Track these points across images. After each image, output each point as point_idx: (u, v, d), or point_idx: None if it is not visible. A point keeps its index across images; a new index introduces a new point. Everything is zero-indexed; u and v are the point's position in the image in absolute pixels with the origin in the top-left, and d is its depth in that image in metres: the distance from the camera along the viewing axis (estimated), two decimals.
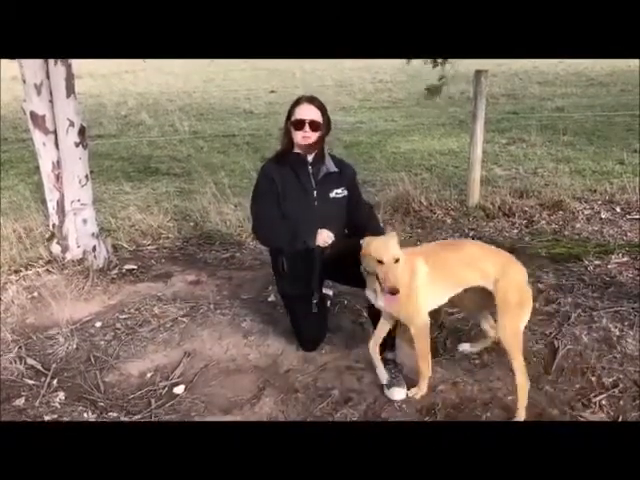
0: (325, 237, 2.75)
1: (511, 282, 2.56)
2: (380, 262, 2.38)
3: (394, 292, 2.35)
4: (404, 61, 5.37)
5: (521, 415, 2.56)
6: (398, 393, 2.70)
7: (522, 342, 2.58)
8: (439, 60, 4.53)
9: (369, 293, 2.64)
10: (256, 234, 3.11)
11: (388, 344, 2.82)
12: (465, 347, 3.06)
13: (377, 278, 2.44)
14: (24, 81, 3.77)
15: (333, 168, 2.90)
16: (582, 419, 2.52)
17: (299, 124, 2.79)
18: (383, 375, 2.73)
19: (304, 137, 2.80)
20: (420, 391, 2.70)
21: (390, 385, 2.72)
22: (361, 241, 2.49)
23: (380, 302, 2.57)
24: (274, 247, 3.02)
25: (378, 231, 2.88)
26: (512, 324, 2.55)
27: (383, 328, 2.74)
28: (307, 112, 2.81)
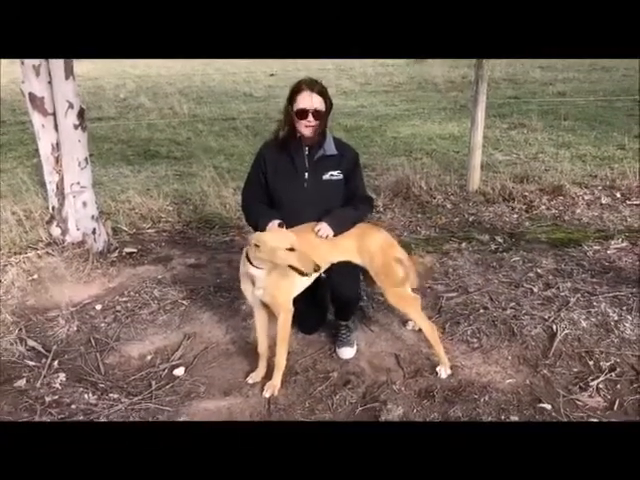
0: (271, 227, 2.68)
1: (371, 250, 2.72)
2: (291, 249, 2.40)
3: (318, 269, 2.44)
4: None
5: (446, 366, 2.74)
6: (347, 352, 2.91)
7: (413, 298, 2.84)
8: None
9: (246, 288, 2.66)
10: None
11: (343, 313, 2.96)
12: (410, 325, 3.16)
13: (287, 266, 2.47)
14: (22, 62, 3.74)
15: (332, 151, 2.84)
16: (580, 403, 2.55)
17: (303, 114, 2.73)
18: (262, 369, 2.78)
19: (307, 126, 2.75)
20: (274, 386, 2.67)
21: (341, 345, 2.92)
22: (251, 238, 2.46)
23: (257, 293, 2.61)
24: (249, 225, 3.04)
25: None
26: (393, 288, 2.72)
27: (262, 319, 2.75)
28: (310, 101, 2.73)
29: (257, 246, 2.41)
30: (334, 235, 2.70)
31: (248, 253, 2.51)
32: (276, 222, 2.66)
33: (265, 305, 2.70)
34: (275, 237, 2.45)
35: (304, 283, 2.73)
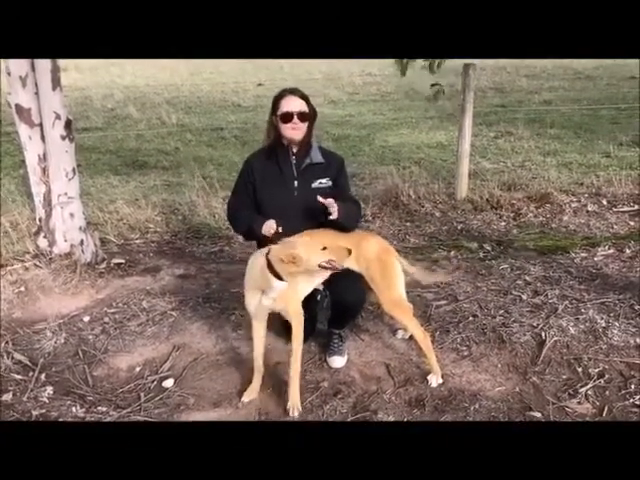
0: (268, 227, 2.66)
1: (367, 257, 2.74)
2: (325, 248, 2.44)
3: (350, 253, 2.50)
4: None
5: (438, 375, 2.75)
6: (338, 361, 2.92)
7: (408, 306, 2.84)
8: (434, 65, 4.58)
9: (251, 301, 2.60)
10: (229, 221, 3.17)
11: (341, 320, 2.95)
12: (400, 334, 3.16)
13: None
14: (9, 73, 3.72)
15: (318, 159, 2.87)
16: (569, 409, 2.56)
17: (287, 116, 2.77)
18: (257, 384, 2.72)
19: (294, 129, 2.78)
20: (294, 404, 2.59)
21: (332, 354, 2.94)
22: (283, 256, 2.40)
23: (266, 303, 2.57)
24: (238, 234, 3.07)
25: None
26: (389, 295, 2.74)
27: (261, 333, 2.71)
28: (293, 104, 2.79)
29: (292, 262, 2.38)
30: (337, 219, 2.67)
31: (276, 268, 2.43)
32: (272, 222, 2.65)
33: (264, 318, 2.67)
34: (306, 247, 2.42)
35: (310, 286, 2.73)
